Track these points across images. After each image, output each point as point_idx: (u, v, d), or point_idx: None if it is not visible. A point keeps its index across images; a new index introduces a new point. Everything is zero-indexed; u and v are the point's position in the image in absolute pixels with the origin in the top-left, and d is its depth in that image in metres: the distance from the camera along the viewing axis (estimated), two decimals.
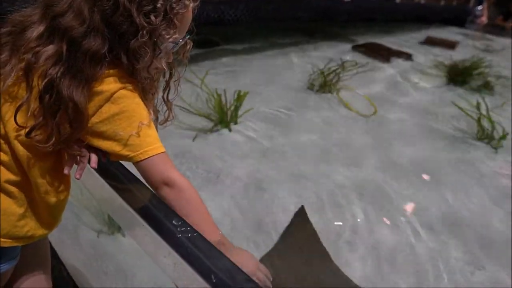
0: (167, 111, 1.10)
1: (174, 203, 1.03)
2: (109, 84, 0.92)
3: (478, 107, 3.43)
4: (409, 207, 2.31)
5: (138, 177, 1.16)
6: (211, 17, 3.72)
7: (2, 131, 0.95)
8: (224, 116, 2.90)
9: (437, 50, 6.46)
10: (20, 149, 0.95)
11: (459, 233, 2.14)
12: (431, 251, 2.00)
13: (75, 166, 1.02)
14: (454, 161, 2.87)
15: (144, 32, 0.89)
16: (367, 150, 2.89)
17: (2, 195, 0.97)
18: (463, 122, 3.46)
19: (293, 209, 2.12)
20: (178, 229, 1.02)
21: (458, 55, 5.86)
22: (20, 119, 0.91)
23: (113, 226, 1.77)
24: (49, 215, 1.09)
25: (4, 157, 0.96)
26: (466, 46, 7.09)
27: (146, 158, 0.97)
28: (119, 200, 1.11)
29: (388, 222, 2.17)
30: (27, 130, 0.90)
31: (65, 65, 0.87)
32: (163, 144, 1.00)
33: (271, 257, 1.75)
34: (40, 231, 1.07)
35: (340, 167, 2.61)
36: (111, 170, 1.21)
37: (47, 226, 1.09)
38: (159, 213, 1.07)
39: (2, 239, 0.99)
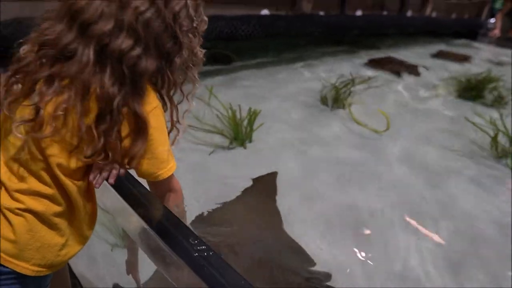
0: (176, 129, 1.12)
1: (171, 203, 1.16)
2: (152, 98, 0.96)
3: (492, 122, 3.39)
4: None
5: (146, 185, 1.19)
6: (223, 33, 3.76)
7: (43, 165, 0.95)
8: (238, 134, 2.89)
9: (449, 64, 6.44)
10: (65, 178, 0.97)
11: None
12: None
13: None
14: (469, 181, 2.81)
15: (186, 50, 0.96)
16: (378, 169, 2.87)
17: (46, 229, 0.99)
18: (477, 138, 3.42)
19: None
20: (195, 247, 1.03)
21: (470, 69, 5.84)
22: (60, 146, 0.93)
23: (127, 240, 1.78)
24: (86, 234, 1.11)
25: (48, 191, 0.97)
26: (479, 60, 7.06)
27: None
28: (135, 217, 1.12)
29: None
30: (87, 153, 0.90)
31: (125, 85, 0.89)
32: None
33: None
34: (74, 252, 1.10)
35: (355, 189, 2.58)
36: (125, 184, 1.24)
37: (82, 245, 1.12)
38: (175, 231, 1.08)
39: (44, 269, 1.02)
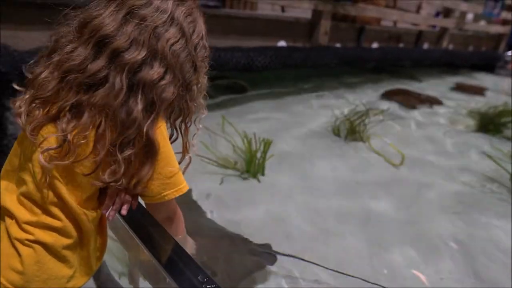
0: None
1: (174, 229, 1.19)
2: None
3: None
4: None
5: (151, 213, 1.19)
6: (240, 64, 3.83)
7: (53, 198, 0.96)
8: (252, 166, 2.88)
9: (466, 97, 6.39)
10: (77, 208, 0.98)
11: None
12: None
13: None
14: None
15: (201, 77, 1.04)
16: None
17: (54, 260, 0.99)
18: (496, 175, 3.34)
19: None
20: (204, 286, 1.02)
21: (488, 102, 5.77)
22: (75, 174, 0.95)
23: (134, 268, 1.78)
24: (94, 266, 1.12)
25: (58, 224, 0.98)
26: (497, 93, 6.99)
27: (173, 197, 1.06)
28: (143, 249, 1.12)
29: None
30: (106, 179, 0.92)
31: (153, 112, 0.92)
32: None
33: None
34: (81, 284, 1.10)
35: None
36: (135, 215, 1.24)
37: (89, 276, 1.12)
38: (184, 267, 1.07)
39: None
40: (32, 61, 0.98)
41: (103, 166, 0.93)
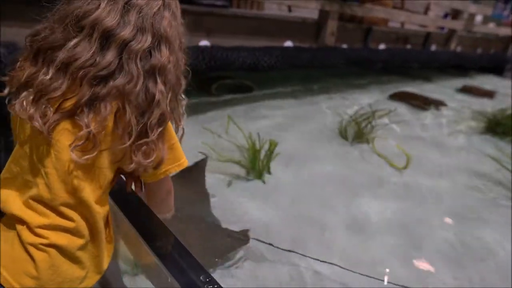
0: None
1: (170, 201, 1.25)
2: None
3: None
4: None
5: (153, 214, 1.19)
6: (246, 63, 3.82)
7: (68, 199, 0.97)
8: (256, 165, 2.87)
9: (474, 99, 6.34)
10: (94, 205, 1.00)
11: None
12: None
13: None
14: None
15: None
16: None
17: (68, 263, 1.00)
18: (503, 178, 3.30)
19: None
20: (205, 286, 1.02)
21: (496, 105, 5.72)
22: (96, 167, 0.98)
23: (136, 268, 1.78)
24: (104, 265, 1.12)
25: (70, 224, 0.98)
26: (505, 95, 6.92)
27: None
28: (149, 253, 1.12)
29: None
30: (152, 163, 0.99)
31: (166, 90, 0.99)
32: None
33: None
34: (92, 284, 1.10)
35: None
36: (140, 217, 1.25)
37: (100, 275, 1.12)
38: (187, 267, 1.07)
39: None
40: (14, 64, 0.99)
41: (129, 153, 0.97)
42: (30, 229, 0.96)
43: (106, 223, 1.11)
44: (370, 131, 3.90)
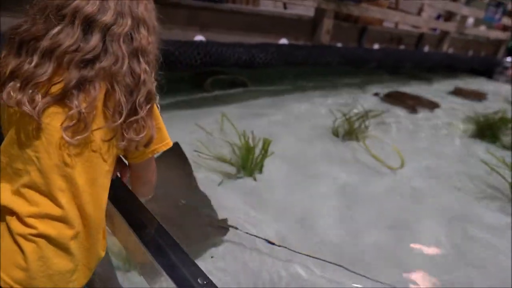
0: None
1: (154, 181, 1.30)
2: None
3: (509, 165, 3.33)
4: None
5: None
6: (241, 60, 3.80)
7: (62, 183, 0.97)
8: (248, 164, 2.85)
9: (465, 101, 6.41)
10: (85, 191, 1.01)
11: None
12: None
13: None
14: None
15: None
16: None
17: (58, 255, 0.99)
18: (493, 181, 3.34)
19: None
20: None
21: (487, 107, 5.79)
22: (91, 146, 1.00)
23: (128, 264, 1.77)
24: (97, 257, 1.11)
25: (60, 212, 0.98)
26: (495, 98, 7.02)
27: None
28: (147, 255, 1.10)
29: None
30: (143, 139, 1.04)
31: (149, 69, 1.05)
32: None
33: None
34: (85, 280, 1.09)
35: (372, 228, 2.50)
36: (135, 214, 1.23)
37: (92, 269, 1.11)
38: (184, 270, 1.05)
39: None
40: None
41: (120, 131, 1.01)
42: (20, 219, 0.95)
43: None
44: (363, 131, 3.91)
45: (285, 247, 2.12)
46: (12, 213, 0.96)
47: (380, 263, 2.19)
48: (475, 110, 5.33)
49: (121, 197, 1.25)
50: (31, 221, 0.95)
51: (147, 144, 1.08)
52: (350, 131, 3.89)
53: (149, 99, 1.03)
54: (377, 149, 3.64)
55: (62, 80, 0.93)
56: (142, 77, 1.01)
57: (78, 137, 0.94)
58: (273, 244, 2.14)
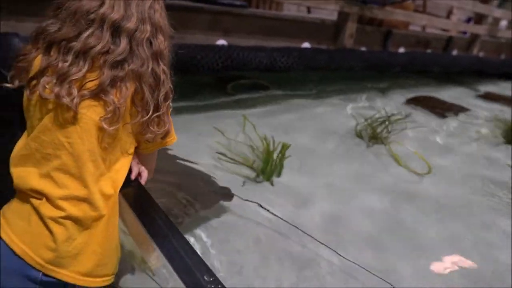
0: None
1: (153, 169, 1.44)
2: None
3: None
4: None
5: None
6: (263, 64, 3.81)
7: (91, 168, 1.10)
8: (267, 166, 2.85)
9: (496, 106, 6.18)
10: (110, 177, 1.16)
11: None
12: None
13: None
14: None
15: None
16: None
17: (84, 236, 1.10)
18: None
19: None
20: (209, 285, 1.01)
21: None
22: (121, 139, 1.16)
23: (144, 264, 1.80)
24: (116, 246, 1.24)
25: (86, 193, 1.10)
26: None
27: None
28: (157, 251, 1.12)
29: None
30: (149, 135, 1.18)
31: (167, 70, 1.20)
32: None
33: None
34: (114, 266, 1.23)
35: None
36: (148, 212, 1.26)
37: (117, 258, 1.25)
38: (192, 266, 1.07)
39: (84, 278, 1.12)
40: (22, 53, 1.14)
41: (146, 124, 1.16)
42: (50, 201, 1.07)
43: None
44: (386, 136, 3.84)
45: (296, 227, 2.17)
46: (40, 196, 1.07)
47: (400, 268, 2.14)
48: (505, 115, 5.14)
49: (138, 196, 1.32)
50: (60, 203, 1.06)
51: (164, 136, 1.23)
52: (373, 135, 3.82)
53: (167, 98, 1.18)
54: (401, 154, 3.57)
55: (96, 78, 1.06)
56: (162, 78, 1.15)
57: (113, 127, 1.08)
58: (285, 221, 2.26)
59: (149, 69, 1.12)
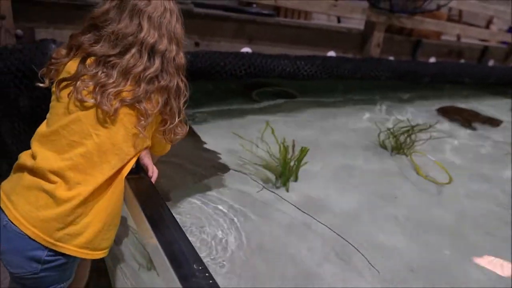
0: None
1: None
2: None
3: None
4: None
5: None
6: (286, 71, 3.86)
7: (112, 157, 1.28)
8: (285, 171, 2.89)
9: None
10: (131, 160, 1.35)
11: None
12: None
13: None
14: None
15: None
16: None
17: (92, 213, 1.26)
18: None
19: None
20: (198, 273, 1.08)
21: None
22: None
23: (150, 262, 1.88)
24: (117, 222, 1.40)
25: (102, 179, 1.27)
26: None
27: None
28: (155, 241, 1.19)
29: None
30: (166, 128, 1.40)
31: (186, 85, 1.45)
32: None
33: None
34: (112, 237, 1.39)
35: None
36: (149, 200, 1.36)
37: (114, 231, 1.42)
38: (183, 254, 1.14)
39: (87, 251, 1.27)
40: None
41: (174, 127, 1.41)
42: (67, 184, 1.21)
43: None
44: (411, 146, 3.78)
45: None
46: (57, 179, 1.21)
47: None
48: None
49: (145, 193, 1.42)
50: (76, 186, 1.22)
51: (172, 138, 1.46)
52: (397, 145, 3.77)
53: (185, 104, 1.43)
54: (426, 166, 3.51)
55: (132, 90, 1.28)
56: (182, 88, 1.40)
57: (142, 131, 1.30)
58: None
59: (175, 83, 1.35)
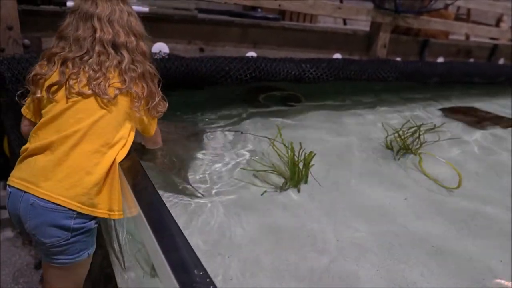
0: None
1: (158, 144, 2.08)
2: None
3: None
4: None
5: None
6: (291, 74, 3.86)
7: (110, 137, 1.60)
8: (294, 175, 2.89)
9: None
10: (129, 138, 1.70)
11: None
12: None
13: None
14: None
15: None
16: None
17: (83, 173, 1.53)
18: None
19: None
20: (198, 278, 1.08)
21: None
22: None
23: (154, 270, 1.88)
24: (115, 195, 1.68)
25: (105, 151, 1.60)
26: None
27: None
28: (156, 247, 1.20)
29: None
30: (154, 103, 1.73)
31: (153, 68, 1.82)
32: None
33: None
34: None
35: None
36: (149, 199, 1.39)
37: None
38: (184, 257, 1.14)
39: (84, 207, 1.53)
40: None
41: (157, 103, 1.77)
42: (84, 154, 1.52)
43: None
44: (419, 147, 3.75)
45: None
46: (72, 151, 1.50)
47: None
48: None
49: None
50: (91, 154, 1.53)
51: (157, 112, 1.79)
52: (404, 146, 3.74)
53: (159, 84, 1.76)
54: (434, 168, 3.46)
55: (122, 81, 1.60)
56: (153, 72, 1.74)
57: (137, 111, 1.65)
58: None
59: (146, 68, 1.67)
